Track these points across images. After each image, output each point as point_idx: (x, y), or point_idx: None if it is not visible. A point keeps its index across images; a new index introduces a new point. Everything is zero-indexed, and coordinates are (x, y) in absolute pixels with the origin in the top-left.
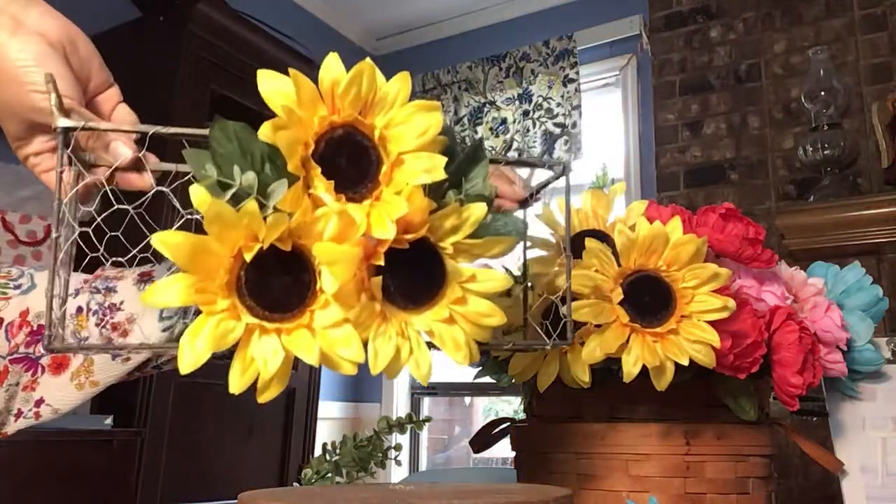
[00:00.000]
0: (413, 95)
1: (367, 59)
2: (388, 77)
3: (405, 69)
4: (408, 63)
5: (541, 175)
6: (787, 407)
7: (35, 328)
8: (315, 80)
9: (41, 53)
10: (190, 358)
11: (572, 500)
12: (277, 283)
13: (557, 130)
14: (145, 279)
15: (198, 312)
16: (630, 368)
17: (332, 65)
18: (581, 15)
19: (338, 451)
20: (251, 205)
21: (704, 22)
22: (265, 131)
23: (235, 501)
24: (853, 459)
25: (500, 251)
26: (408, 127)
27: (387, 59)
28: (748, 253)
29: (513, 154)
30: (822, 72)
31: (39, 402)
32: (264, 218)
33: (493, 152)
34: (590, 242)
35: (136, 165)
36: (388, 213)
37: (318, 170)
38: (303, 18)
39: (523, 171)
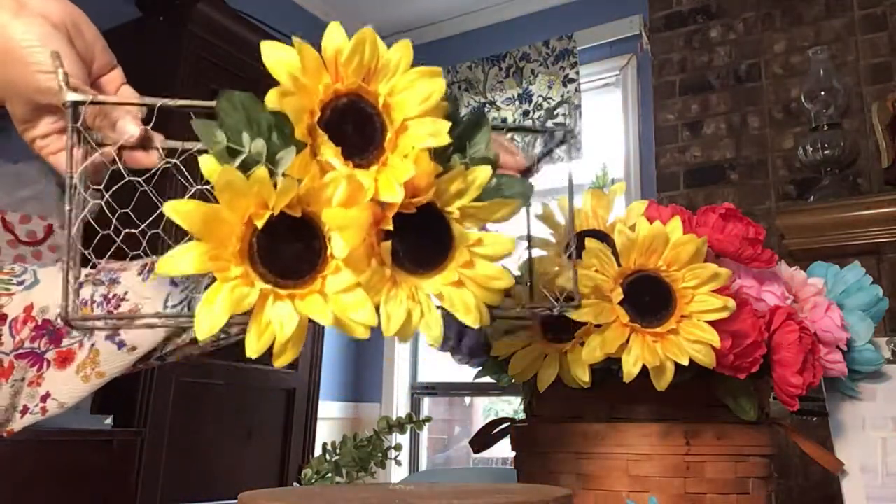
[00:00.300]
0: None
1: (368, 27)
2: None
3: None
4: None
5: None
6: (787, 407)
7: (40, 323)
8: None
9: (45, 34)
10: (207, 322)
11: (572, 500)
12: (289, 249)
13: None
14: (148, 270)
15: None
16: (630, 368)
17: (334, 33)
18: (581, 15)
19: (338, 451)
20: (261, 171)
21: (704, 22)
22: (272, 98)
23: (235, 501)
24: (853, 459)
25: (506, 214)
26: (411, 93)
27: None
28: (748, 253)
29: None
30: (822, 72)
31: (45, 397)
32: (274, 185)
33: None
34: (590, 242)
35: (143, 143)
36: (395, 177)
37: (326, 136)
38: (303, 18)
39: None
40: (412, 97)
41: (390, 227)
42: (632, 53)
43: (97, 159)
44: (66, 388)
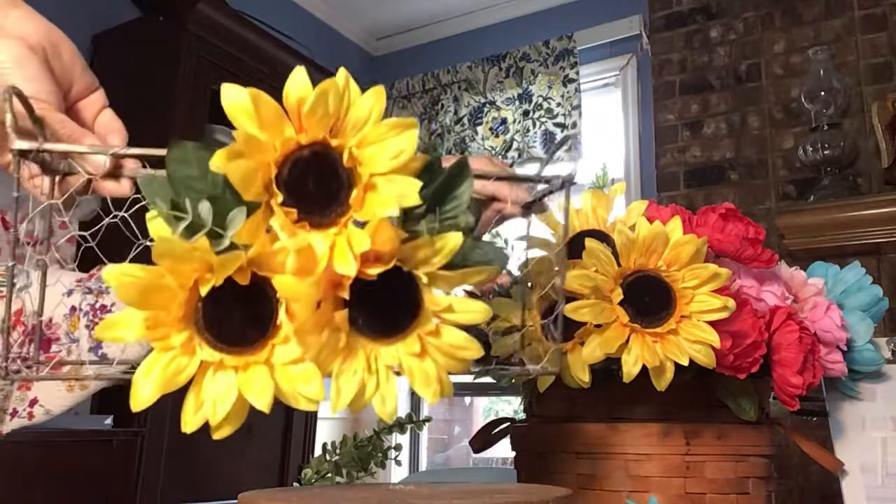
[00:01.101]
0: (413, 95)
1: (339, 75)
2: (386, 79)
3: (405, 69)
4: (408, 63)
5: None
6: (787, 407)
7: (29, 328)
8: (314, 79)
9: (20, 56)
10: (139, 397)
11: (572, 500)
12: (237, 315)
13: (557, 130)
14: None
15: None
16: (630, 368)
17: (297, 80)
18: (581, 15)
19: (338, 451)
20: (202, 241)
21: (704, 22)
22: (216, 161)
23: (235, 501)
24: (853, 459)
25: (481, 281)
26: (381, 147)
27: (387, 59)
28: (748, 253)
29: (513, 154)
30: (822, 72)
31: (33, 403)
32: (223, 250)
33: (493, 152)
34: (590, 242)
35: (114, 172)
36: (351, 247)
37: (279, 198)
38: (303, 18)
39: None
40: (382, 152)
41: (346, 297)
42: (632, 53)
43: (65, 190)
44: (52, 395)
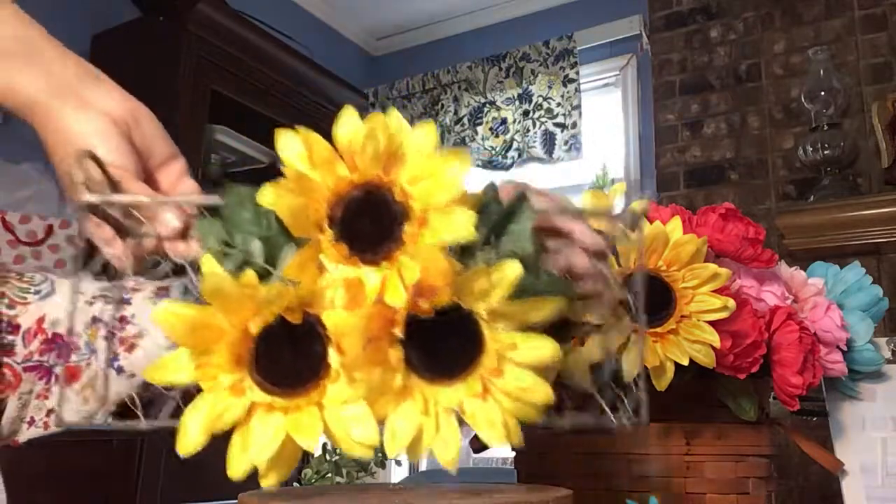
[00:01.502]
0: (413, 95)
1: (390, 113)
2: (386, 79)
3: (405, 69)
4: (408, 63)
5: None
6: (787, 407)
7: (50, 336)
8: (314, 79)
9: (103, 129)
10: (187, 441)
11: (572, 500)
12: (288, 356)
13: (557, 130)
14: (161, 294)
15: None
16: (630, 368)
17: (347, 120)
18: (581, 15)
19: (338, 451)
20: (249, 276)
21: (704, 22)
22: (266, 197)
23: (235, 501)
24: (853, 459)
25: (545, 315)
26: (434, 181)
27: (387, 59)
28: (748, 253)
29: (513, 154)
30: (822, 72)
31: (50, 412)
32: (279, 288)
33: (493, 152)
34: None
35: (184, 234)
36: (402, 279)
37: (330, 234)
38: (303, 18)
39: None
40: (435, 185)
41: (400, 335)
42: (632, 53)
43: (137, 251)
44: (68, 405)
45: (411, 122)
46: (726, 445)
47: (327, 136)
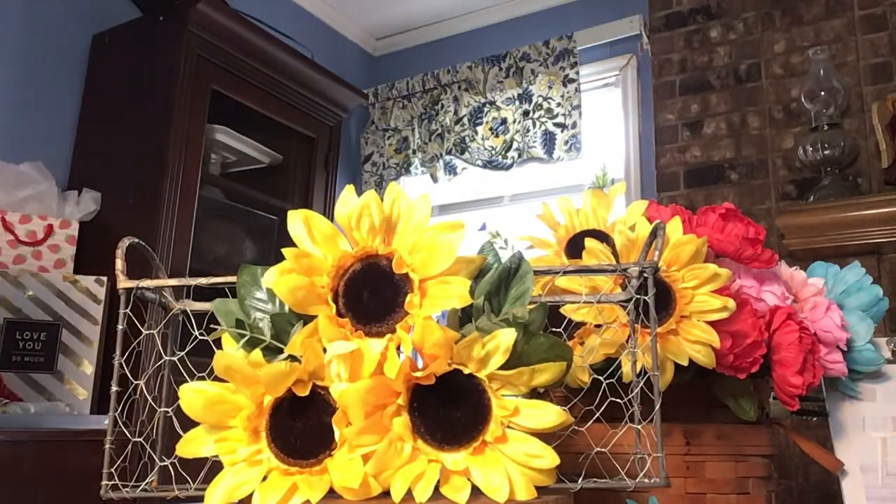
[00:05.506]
0: (413, 95)
1: (389, 188)
2: (386, 79)
3: (405, 69)
4: (408, 63)
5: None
6: (787, 407)
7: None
8: (314, 79)
9: None
10: None
11: (572, 500)
12: (301, 425)
13: (557, 130)
14: None
15: None
16: (630, 368)
17: (345, 199)
18: (581, 15)
19: None
20: (255, 355)
21: (704, 22)
22: (268, 278)
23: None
24: (853, 459)
25: (547, 380)
26: (430, 252)
27: (387, 59)
28: (748, 253)
29: (513, 154)
30: (822, 72)
31: None
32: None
33: (493, 152)
34: (590, 242)
35: None
36: (401, 349)
37: (331, 310)
38: (303, 18)
39: None
40: (431, 256)
41: (401, 402)
42: (632, 53)
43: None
44: None
45: (411, 122)
46: (726, 445)
47: (328, 136)
